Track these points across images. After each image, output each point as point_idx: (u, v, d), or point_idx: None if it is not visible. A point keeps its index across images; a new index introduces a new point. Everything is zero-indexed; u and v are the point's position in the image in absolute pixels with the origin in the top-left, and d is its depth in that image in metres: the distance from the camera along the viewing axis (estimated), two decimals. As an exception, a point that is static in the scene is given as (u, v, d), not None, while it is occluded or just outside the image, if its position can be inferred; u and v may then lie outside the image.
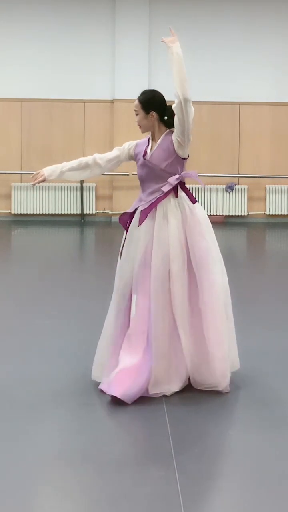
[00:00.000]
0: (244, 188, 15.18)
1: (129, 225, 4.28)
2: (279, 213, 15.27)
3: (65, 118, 15.01)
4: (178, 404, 3.96)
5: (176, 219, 4.16)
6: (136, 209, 4.26)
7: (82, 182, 14.92)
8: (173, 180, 4.16)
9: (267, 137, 15.16)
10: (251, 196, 15.30)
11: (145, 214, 4.17)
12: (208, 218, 4.31)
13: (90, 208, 15.11)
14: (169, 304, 4.12)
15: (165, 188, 4.16)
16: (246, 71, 15.07)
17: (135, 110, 4.25)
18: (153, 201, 4.17)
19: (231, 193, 15.16)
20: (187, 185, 4.32)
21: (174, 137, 4.14)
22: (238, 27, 15.08)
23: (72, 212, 15.11)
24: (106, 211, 15.07)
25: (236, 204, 15.20)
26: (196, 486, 3.03)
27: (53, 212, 15.06)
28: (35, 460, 3.25)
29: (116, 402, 3.94)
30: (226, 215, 15.23)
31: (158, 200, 4.17)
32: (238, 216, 15.27)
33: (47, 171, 4.29)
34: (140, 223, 4.18)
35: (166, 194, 4.18)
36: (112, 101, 14.87)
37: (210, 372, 4.13)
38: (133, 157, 4.31)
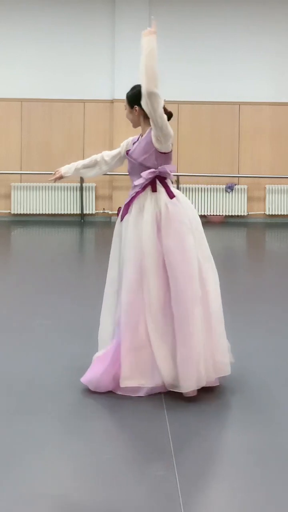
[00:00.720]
0: (244, 188, 15.18)
1: None
2: (279, 213, 15.27)
3: (65, 118, 15.02)
4: (178, 404, 3.95)
5: (150, 214, 4.12)
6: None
7: (82, 182, 14.92)
8: (145, 174, 4.15)
9: (267, 137, 15.16)
10: (251, 196, 15.30)
11: (125, 209, 4.23)
12: (194, 216, 4.21)
13: (90, 208, 15.12)
14: (142, 299, 4.09)
15: (137, 182, 4.18)
16: (246, 71, 15.07)
17: (124, 105, 4.30)
18: (133, 195, 4.21)
19: (231, 193, 15.16)
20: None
21: (152, 130, 4.14)
22: (238, 28, 15.09)
23: (71, 212, 15.11)
24: (106, 211, 15.08)
25: (236, 204, 15.20)
26: (196, 486, 3.03)
27: (53, 212, 15.07)
28: (35, 460, 3.25)
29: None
30: (226, 215, 15.23)
31: (137, 194, 4.19)
32: (238, 216, 15.27)
33: (64, 168, 4.47)
34: (121, 218, 4.24)
35: (143, 189, 4.18)
36: (112, 101, 14.87)
37: (177, 371, 4.02)
38: None
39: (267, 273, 9.03)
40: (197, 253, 4.11)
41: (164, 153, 4.17)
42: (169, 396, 4.05)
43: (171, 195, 4.15)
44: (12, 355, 4.94)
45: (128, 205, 4.21)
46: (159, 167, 4.17)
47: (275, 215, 15.29)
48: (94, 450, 3.37)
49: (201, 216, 4.21)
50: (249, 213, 15.31)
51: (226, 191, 15.17)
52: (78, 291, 7.35)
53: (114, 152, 4.44)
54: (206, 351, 4.05)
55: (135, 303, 4.09)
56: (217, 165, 15.01)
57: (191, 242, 4.09)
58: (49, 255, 10.33)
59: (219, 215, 15.16)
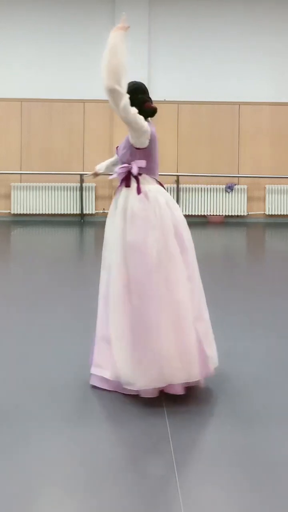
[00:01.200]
0: (244, 188, 15.19)
1: None
2: (279, 213, 15.29)
3: (65, 118, 15.02)
4: (178, 404, 3.96)
5: (120, 210, 4.14)
6: None
7: (81, 182, 14.92)
8: (117, 168, 4.22)
9: (267, 137, 15.17)
10: (251, 196, 15.31)
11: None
12: (167, 215, 4.07)
13: (90, 208, 15.12)
14: (108, 296, 4.16)
15: (111, 177, 4.29)
16: (246, 71, 15.08)
17: None
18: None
19: (230, 193, 15.16)
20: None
21: None
22: (238, 27, 15.10)
23: (71, 212, 15.12)
24: (105, 211, 15.08)
25: (235, 204, 15.21)
26: (196, 486, 3.03)
27: (53, 212, 15.07)
28: (35, 460, 3.25)
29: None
30: (226, 215, 15.23)
31: (116, 190, 4.27)
32: (237, 216, 15.28)
33: (98, 166, 4.67)
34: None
35: (120, 184, 4.22)
36: (111, 101, 14.86)
37: (133, 369, 3.98)
38: None
39: (266, 273, 9.03)
40: (160, 251, 3.99)
41: (139, 148, 4.14)
42: (169, 397, 4.05)
43: (138, 191, 4.12)
44: (12, 355, 4.94)
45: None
46: (132, 162, 4.16)
47: (275, 215, 15.30)
48: (94, 450, 3.37)
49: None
50: (249, 213, 15.32)
51: (226, 191, 15.17)
52: (78, 291, 7.35)
53: None
54: (169, 351, 3.90)
55: (103, 299, 4.20)
56: (217, 165, 15.02)
57: (153, 239, 3.99)
58: (49, 255, 10.33)
59: (219, 215, 15.16)
